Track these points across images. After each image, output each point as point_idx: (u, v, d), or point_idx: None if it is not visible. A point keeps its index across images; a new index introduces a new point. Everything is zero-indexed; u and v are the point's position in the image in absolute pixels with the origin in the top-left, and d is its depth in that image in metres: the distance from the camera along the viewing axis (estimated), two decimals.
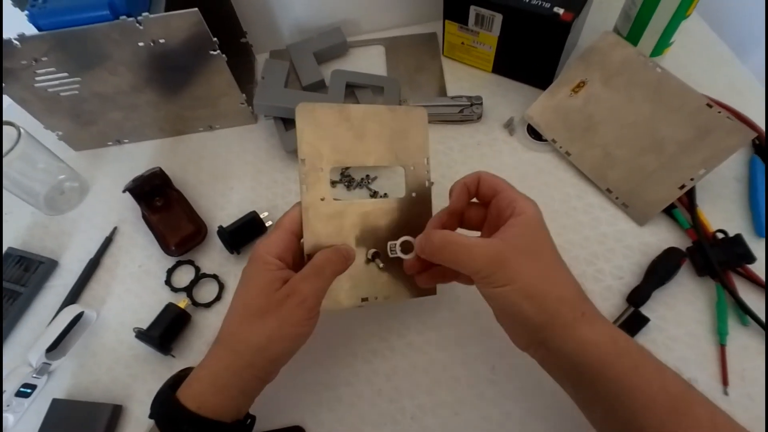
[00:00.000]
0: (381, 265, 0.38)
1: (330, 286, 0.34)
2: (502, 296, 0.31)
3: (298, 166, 0.36)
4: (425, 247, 0.34)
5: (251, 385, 0.33)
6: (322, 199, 0.36)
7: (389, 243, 0.37)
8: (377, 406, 0.40)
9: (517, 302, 0.30)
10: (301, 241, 0.36)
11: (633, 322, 0.41)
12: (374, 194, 0.51)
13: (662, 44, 0.53)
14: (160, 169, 0.51)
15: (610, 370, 0.29)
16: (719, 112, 0.44)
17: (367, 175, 0.53)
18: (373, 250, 0.38)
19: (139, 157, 0.58)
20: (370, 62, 0.62)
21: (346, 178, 0.53)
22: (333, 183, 0.52)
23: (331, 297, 0.35)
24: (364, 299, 0.37)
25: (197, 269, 0.49)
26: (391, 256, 0.37)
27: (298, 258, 0.36)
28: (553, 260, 0.32)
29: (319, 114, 0.36)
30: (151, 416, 0.32)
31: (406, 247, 0.37)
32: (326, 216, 0.36)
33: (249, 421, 0.35)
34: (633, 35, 0.52)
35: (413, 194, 0.39)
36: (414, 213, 0.39)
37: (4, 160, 0.46)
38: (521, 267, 0.30)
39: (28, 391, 0.43)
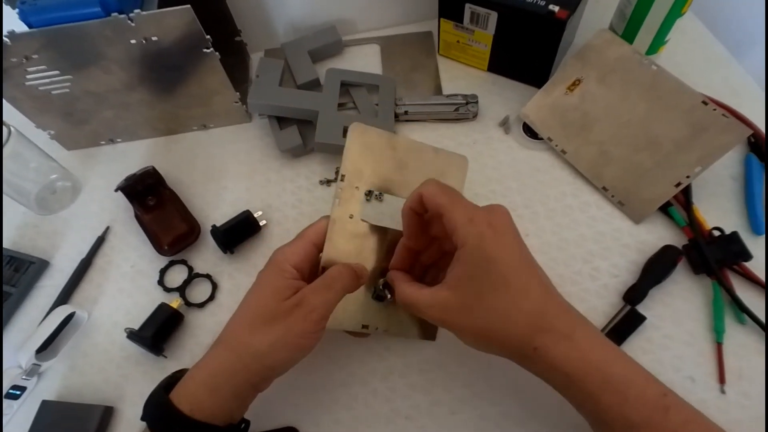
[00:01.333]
0: (389, 296, 0.37)
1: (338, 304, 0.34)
2: (462, 339, 0.32)
3: (337, 179, 0.36)
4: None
5: (244, 390, 0.32)
6: (351, 217, 0.37)
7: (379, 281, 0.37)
8: (372, 407, 0.40)
9: (474, 345, 0.32)
10: (321, 254, 0.36)
11: (629, 321, 0.41)
12: (368, 194, 0.51)
13: (657, 42, 0.53)
14: (153, 168, 0.51)
15: (574, 400, 0.31)
16: (714, 110, 0.44)
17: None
18: (383, 280, 0.37)
19: (132, 157, 0.57)
20: (365, 61, 0.62)
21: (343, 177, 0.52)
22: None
23: (335, 315, 0.35)
24: (365, 326, 0.37)
25: (190, 269, 0.48)
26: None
27: (315, 270, 0.36)
28: (503, 291, 0.29)
29: (369, 136, 0.38)
30: (143, 418, 0.31)
31: (387, 288, 0.37)
32: (351, 234, 0.37)
33: (243, 426, 0.34)
34: (628, 33, 0.52)
35: None
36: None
37: None
38: (466, 315, 0.30)
39: (18, 392, 0.42)
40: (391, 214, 0.38)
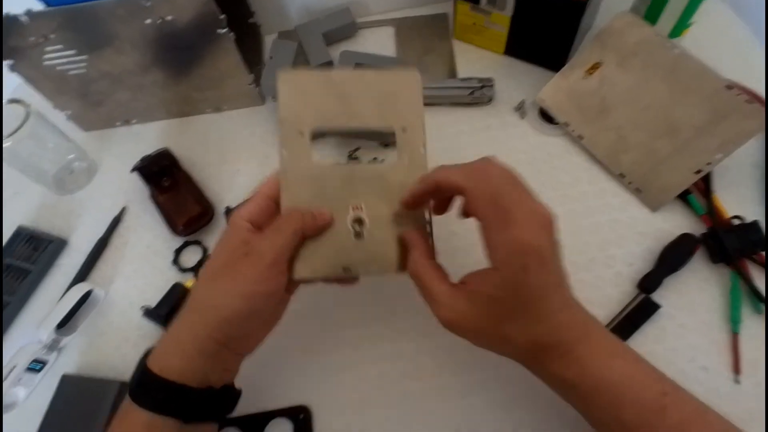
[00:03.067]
0: (358, 229, 0.35)
1: (310, 253, 0.33)
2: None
3: (278, 130, 0.35)
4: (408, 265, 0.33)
5: (210, 347, 0.31)
6: (302, 162, 0.35)
7: (352, 217, 0.35)
8: (382, 389, 0.40)
9: (474, 343, 0.31)
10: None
11: (643, 309, 0.40)
12: None
13: (681, 25, 0.51)
14: (168, 150, 0.51)
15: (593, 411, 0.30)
16: (738, 95, 0.42)
17: (375, 158, 0.52)
18: (353, 216, 0.35)
19: (147, 138, 0.57)
20: (379, 44, 0.61)
21: (354, 161, 0.52)
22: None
23: (308, 264, 0.33)
24: (346, 269, 0.34)
25: (204, 250, 0.49)
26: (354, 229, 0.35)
27: None
28: (522, 319, 0.29)
29: (302, 79, 0.36)
30: (128, 385, 0.32)
31: (359, 223, 0.35)
32: (306, 178, 0.35)
33: (230, 393, 0.34)
34: (651, 15, 0.51)
35: (404, 159, 0.36)
36: (407, 178, 0.36)
37: (14, 137, 0.46)
38: (475, 330, 0.30)
39: (39, 366, 0.43)
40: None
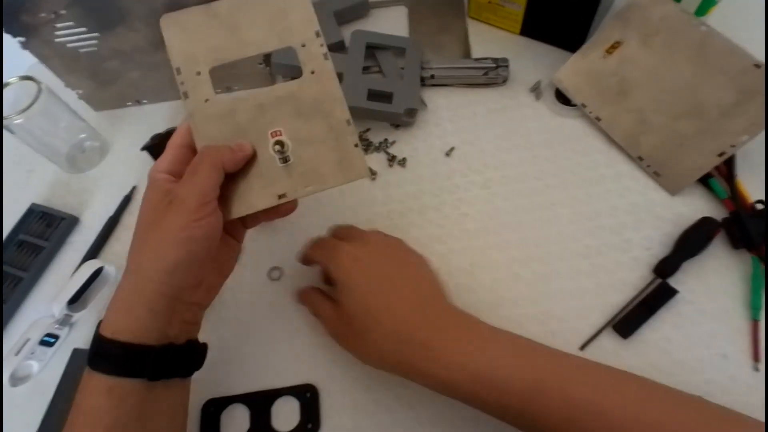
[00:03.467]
0: (282, 154, 0.34)
1: (242, 190, 0.33)
2: None
3: (174, 78, 0.34)
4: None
5: (160, 303, 0.30)
6: (207, 101, 0.34)
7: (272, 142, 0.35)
8: None
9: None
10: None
11: (660, 294, 0.39)
12: (392, 158, 0.50)
13: (708, 2, 0.49)
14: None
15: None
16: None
17: (386, 139, 0.51)
18: (274, 140, 0.34)
19: (157, 118, 0.57)
20: (391, 23, 0.60)
21: (365, 142, 0.52)
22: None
23: (243, 201, 0.33)
24: (281, 195, 0.34)
25: None
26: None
27: None
28: (363, 338, 0.35)
29: (185, 20, 0.35)
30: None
31: (282, 146, 0.35)
32: (215, 117, 0.34)
33: (188, 346, 0.33)
34: None
35: (312, 72, 0.36)
36: (318, 90, 0.36)
37: (26, 114, 0.46)
38: (345, 343, 0.37)
39: (52, 340, 0.44)
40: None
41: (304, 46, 0.36)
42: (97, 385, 0.29)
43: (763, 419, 0.29)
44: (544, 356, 0.32)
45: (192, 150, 0.34)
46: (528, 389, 0.30)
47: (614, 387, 0.30)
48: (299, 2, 0.37)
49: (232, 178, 0.33)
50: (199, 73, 0.35)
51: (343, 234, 0.40)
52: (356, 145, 0.35)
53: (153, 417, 0.31)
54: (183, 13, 0.35)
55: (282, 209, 0.35)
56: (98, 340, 0.30)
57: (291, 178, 0.34)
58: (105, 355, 0.30)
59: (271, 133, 0.35)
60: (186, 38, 0.35)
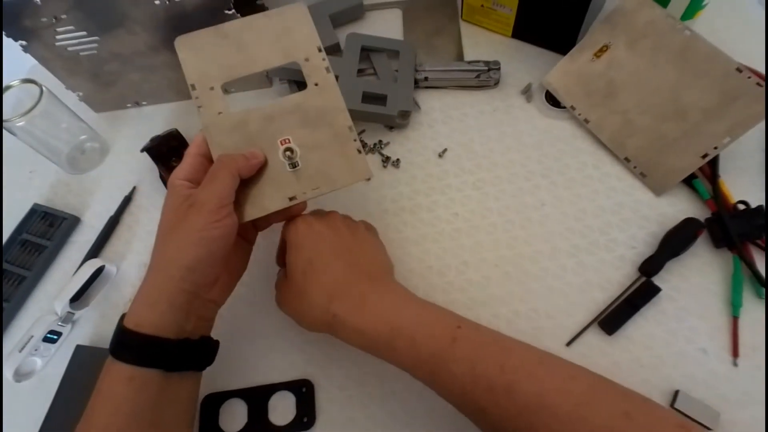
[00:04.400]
0: (291, 159, 0.37)
1: (254, 194, 0.36)
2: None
3: (191, 94, 0.37)
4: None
5: (181, 298, 0.33)
6: (220, 113, 0.37)
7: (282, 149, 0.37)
8: (382, 363, 0.41)
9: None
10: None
11: (643, 292, 0.41)
12: (386, 159, 0.51)
13: (694, 6, 0.50)
14: (177, 130, 0.52)
15: (379, 354, 0.35)
16: (749, 78, 0.42)
17: (380, 140, 0.53)
18: (284, 147, 0.37)
19: (157, 119, 0.58)
20: (386, 26, 0.61)
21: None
22: None
23: (256, 204, 0.36)
24: (291, 198, 0.37)
25: None
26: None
27: None
28: (301, 297, 0.36)
29: (197, 40, 0.38)
30: (109, 347, 0.33)
31: (291, 152, 0.37)
32: (228, 128, 0.37)
33: (202, 341, 0.36)
34: None
35: (315, 84, 0.39)
36: (322, 101, 0.39)
37: (28, 116, 0.47)
38: (287, 304, 0.38)
39: (55, 337, 0.45)
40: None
41: (307, 60, 0.39)
42: (118, 373, 0.32)
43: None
44: (466, 325, 0.33)
45: (207, 159, 0.37)
46: (440, 347, 0.32)
47: (541, 374, 0.30)
48: (301, 20, 0.39)
49: (245, 184, 0.36)
50: (212, 89, 0.37)
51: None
52: (359, 150, 0.38)
53: (167, 406, 0.33)
54: (196, 35, 0.38)
55: (292, 210, 0.38)
56: (122, 331, 0.32)
57: (300, 181, 0.37)
58: (128, 345, 0.32)
59: (281, 141, 0.38)
60: (199, 57, 0.38)
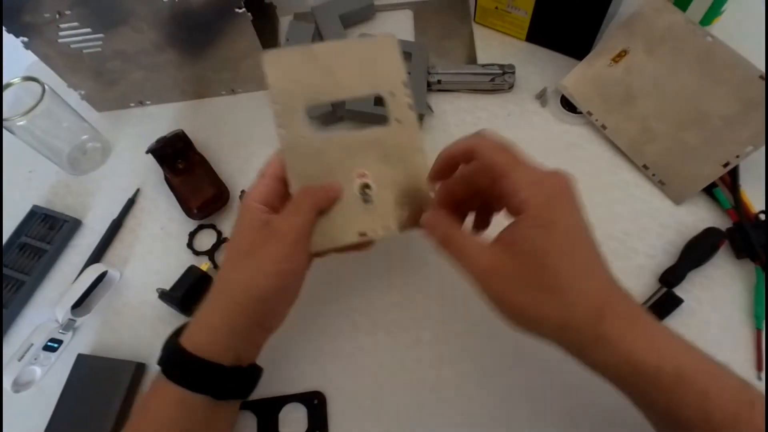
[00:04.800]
0: (366, 195, 0.36)
1: (324, 225, 0.34)
2: (503, 312, 0.28)
3: (273, 112, 0.35)
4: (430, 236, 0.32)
5: (242, 326, 0.32)
6: (301, 138, 0.36)
7: (359, 184, 0.36)
8: (397, 376, 0.40)
9: (517, 322, 0.28)
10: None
11: (665, 303, 0.40)
12: None
13: (712, 13, 0.49)
14: (183, 132, 0.51)
15: (643, 397, 0.27)
16: None
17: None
18: (360, 182, 0.36)
19: (161, 120, 0.57)
20: (397, 27, 0.60)
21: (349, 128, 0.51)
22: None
23: (327, 235, 0.34)
24: (362, 233, 0.35)
25: (219, 233, 0.48)
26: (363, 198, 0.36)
27: (287, 203, 0.35)
28: (568, 265, 0.26)
29: (286, 58, 0.36)
30: (158, 362, 0.33)
31: (367, 188, 0.36)
32: (308, 155, 0.36)
33: (254, 371, 0.35)
34: (682, 1, 0.49)
35: (396, 120, 0.37)
36: (401, 139, 0.37)
37: (29, 115, 0.45)
38: (518, 285, 0.27)
39: (55, 345, 0.43)
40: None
41: (392, 94, 0.37)
42: (168, 394, 0.31)
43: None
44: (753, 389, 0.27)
45: (282, 182, 0.35)
46: (736, 413, 0.25)
47: None
48: (390, 52, 0.38)
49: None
50: (295, 110, 0.36)
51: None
52: (432, 193, 0.36)
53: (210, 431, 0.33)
54: (284, 51, 0.37)
55: (359, 246, 0.36)
56: (177, 350, 0.31)
57: (371, 218, 0.36)
58: (183, 367, 0.31)
59: (357, 174, 0.36)
60: (285, 76, 0.36)
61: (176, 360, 0.31)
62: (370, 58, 0.38)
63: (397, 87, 0.38)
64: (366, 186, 0.36)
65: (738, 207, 0.42)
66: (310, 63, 0.37)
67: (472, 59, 0.57)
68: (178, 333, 0.33)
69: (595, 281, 0.27)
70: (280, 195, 0.35)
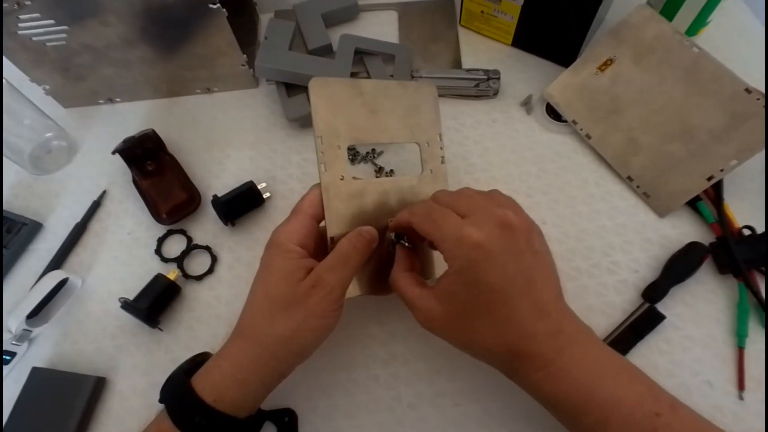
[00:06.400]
0: (407, 245, 0.35)
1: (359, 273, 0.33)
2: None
3: (315, 144, 0.34)
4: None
5: (271, 378, 0.32)
6: (342, 179, 0.34)
7: (391, 235, 0.36)
8: (373, 393, 0.39)
9: (462, 350, 0.32)
10: (322, 224, 0.34)
11: (647, 319, 0.39)
12: (379, 170, 0.48)
13: (698, 24, 0.49)
14: (153, 132, 0.48)
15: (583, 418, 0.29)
16: (758, 99, 0.41)
17: (373, 150, 0.50)
18: (393, 235, 0.35)
19: (131, 118, 0.54)
20: (381, 28, 0.58)
21: (351, 152, 0.50)
22: None
23: (360, 282, 0.34)
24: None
25: (189, 239, 0.46)
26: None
27: (319, 243, 0.34)
28: (486, 318, 0.29)
29: (333, 89, 0.34)
30: (161, 400, 0.31)
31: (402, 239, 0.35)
32: (347, 196, 0.34)
33: (260, 413, 0.35)
34: (668, 11, 0.48)
35: (430, 171, 0.38)
36: (432, 190, 0.36)
37: None
38: (450, 329, 0.31)
39: (8, 358, 0.41)
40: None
41: (428, 145, 0.38)
42: None
43: None
44: (665, 409, 0.29)
45: (316, 221, 0.34)
46: (640, 428, 0.28)
47: None
48: (431, 101, 0.39)
49: None
50: (339, 147, 0.34)
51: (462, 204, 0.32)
52: None
53: None
54: (331, 81, 0.35)
55: (385, 291, 0.35)
56: (193, 397, 0.29)
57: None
58: (200, 419, 0.29)
59: (390, 221, 0.36)
60: (331, 108, 0.34)
61: (190, 405, 0.29)
62: (413, 104, 0.38)
63: (433, 138, 0.38)
64: (401, 237, 0.35)
65: (722, 221, 0.41)
66: (357, 99, 0.35)
67: (457, 63, 0.55)
68: (187, 370, 0.31)
69: (513, 330, 0.29)
70: (313, 235, 0.33)
